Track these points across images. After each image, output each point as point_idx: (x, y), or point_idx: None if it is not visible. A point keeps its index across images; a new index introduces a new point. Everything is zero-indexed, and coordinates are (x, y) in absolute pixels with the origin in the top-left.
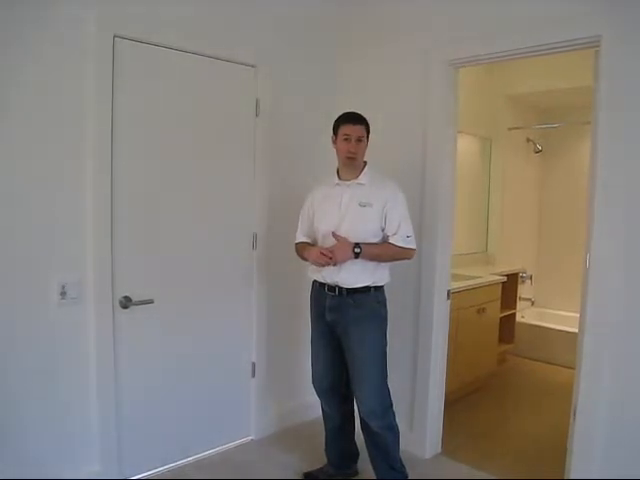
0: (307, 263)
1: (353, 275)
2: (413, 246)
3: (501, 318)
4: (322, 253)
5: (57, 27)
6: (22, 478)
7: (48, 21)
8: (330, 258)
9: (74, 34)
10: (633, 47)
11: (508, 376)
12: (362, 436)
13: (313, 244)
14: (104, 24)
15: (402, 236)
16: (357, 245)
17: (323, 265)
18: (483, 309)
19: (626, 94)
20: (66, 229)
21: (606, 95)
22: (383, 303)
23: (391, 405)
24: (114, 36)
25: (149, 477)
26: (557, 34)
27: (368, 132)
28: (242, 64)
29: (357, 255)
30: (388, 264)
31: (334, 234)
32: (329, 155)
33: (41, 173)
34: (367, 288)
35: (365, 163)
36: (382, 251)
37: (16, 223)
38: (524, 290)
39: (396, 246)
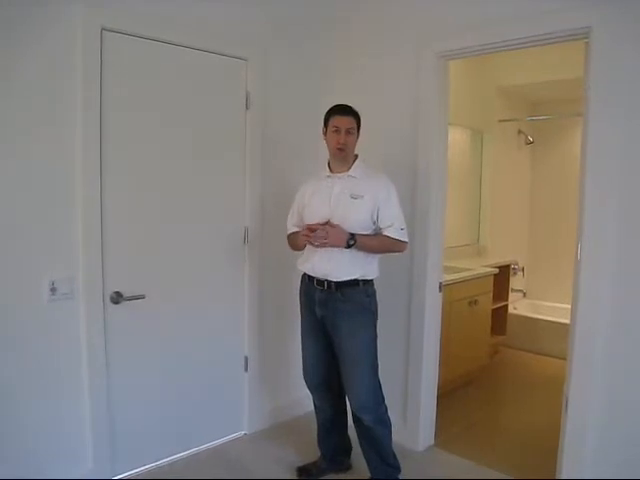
0: (298, 254)
1: (342, 267)
2: (406, 239)
3: (493, 310)
4: (315, 229)
5: (44, 19)
6: (15, 478)
7: (34, 13)
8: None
9: (61, 27)
10: (623, 38)
11: (501, 368)
12: (355, 430)
13: None
14: (92, 17)
15: (397, 228)
16: (352, 237)
17: (313, 242)
18: (475, 301)
19: (616, 85)
20: (56, 225)
21: (596, 87)
22: (373, 297)
23: (383, 399)
24: (102, 29)
25: (143, 473)
26: (547, 25)
27: (359, 125)
28: (233, 57)
29: (350, 246)
30: (377, 257)
31: (330, 223)
32: (320, 148)
33: (30, 170)
34: (356, 282)
35: (356, 156)
36: (377, 243)
37: (5, 219)
38: (516, 282)
39: (391, 238)
